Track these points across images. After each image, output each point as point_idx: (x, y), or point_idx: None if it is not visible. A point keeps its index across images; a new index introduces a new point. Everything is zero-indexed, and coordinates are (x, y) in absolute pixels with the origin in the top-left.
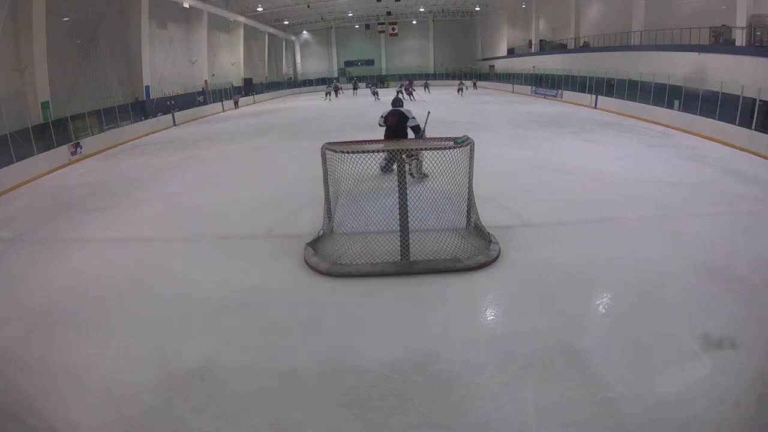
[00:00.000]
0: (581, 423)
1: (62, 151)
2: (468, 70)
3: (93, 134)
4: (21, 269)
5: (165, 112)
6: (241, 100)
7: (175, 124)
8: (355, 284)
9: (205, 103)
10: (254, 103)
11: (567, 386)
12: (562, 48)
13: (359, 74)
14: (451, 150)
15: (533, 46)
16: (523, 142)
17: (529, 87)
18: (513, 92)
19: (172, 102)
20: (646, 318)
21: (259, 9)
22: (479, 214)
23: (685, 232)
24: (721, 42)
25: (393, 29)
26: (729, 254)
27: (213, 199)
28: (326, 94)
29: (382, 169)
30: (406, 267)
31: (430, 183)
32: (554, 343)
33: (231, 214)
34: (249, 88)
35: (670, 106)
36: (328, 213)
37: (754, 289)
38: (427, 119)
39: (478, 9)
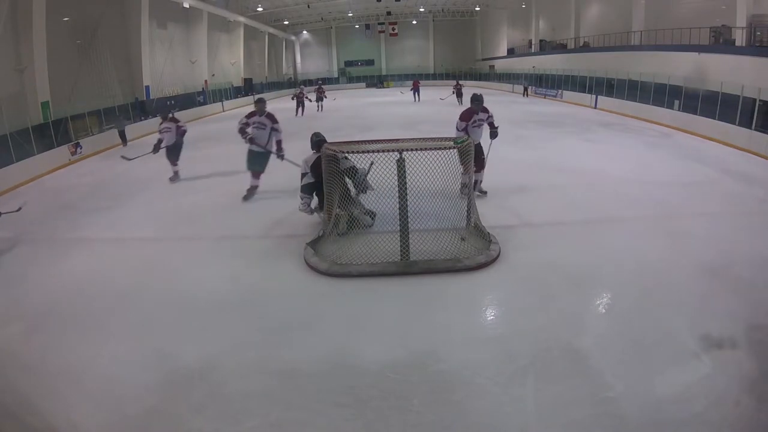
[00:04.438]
0: (581, 423)
1: (62, 151)
2: (468, 70)
3: (93, 134)
4: (21, 269)
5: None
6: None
7: None
8: (355, 284)
9: (204, 103)
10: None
11: (567, 386)
12: (562, 48)
13: (360, 74)
14: (451, 150)
15: (533, 46)
16: (523, 142)
17: (529, 87)
18: (512, 92)
19: (172, 102)
20: (646, 318)
21: (259, 9)
22: (479, 214)
23: (685, 232)
24: (721, 42)
25: (393, 29)
26: (729, 254)
27: (213, 199)
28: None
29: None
30: (406, 267)
31: (430, 183)
32: (554, 343)
33: (231, 214)
34: (249, 88)
35: (670, 106)
36: (328, 213)
37: (754, 289)
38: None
39: (478, 9)
